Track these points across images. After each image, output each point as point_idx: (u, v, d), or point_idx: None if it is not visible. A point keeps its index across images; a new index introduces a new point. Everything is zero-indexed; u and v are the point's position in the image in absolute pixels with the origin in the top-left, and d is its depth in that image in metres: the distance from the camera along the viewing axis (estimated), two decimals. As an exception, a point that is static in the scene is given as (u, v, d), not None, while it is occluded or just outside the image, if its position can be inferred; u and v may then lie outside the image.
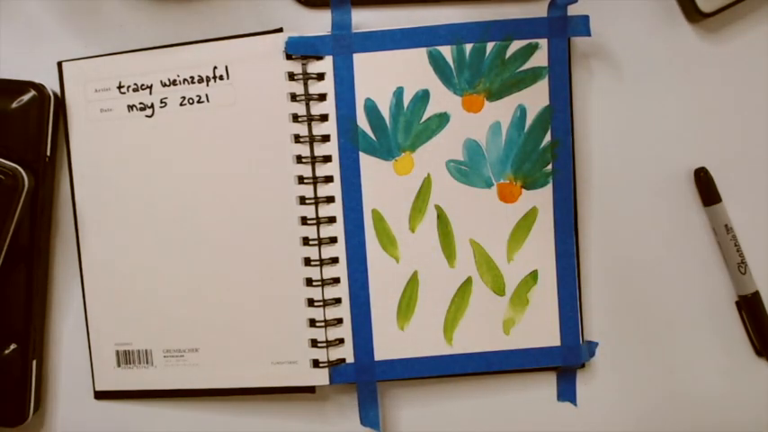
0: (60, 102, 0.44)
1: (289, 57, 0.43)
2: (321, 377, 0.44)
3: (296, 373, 0.44)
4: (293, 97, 0.43)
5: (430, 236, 0.44)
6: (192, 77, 0.43)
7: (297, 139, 0.43)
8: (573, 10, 0.43)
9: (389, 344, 0.44)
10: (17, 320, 0.43)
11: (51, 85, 0.44)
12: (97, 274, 0.45)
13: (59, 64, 0.44)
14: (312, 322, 0.44)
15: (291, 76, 0.43)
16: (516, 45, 0.43)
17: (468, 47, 0.43)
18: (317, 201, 0.43)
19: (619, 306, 0.46)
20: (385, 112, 0.43)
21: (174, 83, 0.43)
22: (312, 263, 0.43)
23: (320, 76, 0.43)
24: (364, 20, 0.44)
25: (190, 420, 0.46)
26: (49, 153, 0.43)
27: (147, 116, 0.44)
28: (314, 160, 0.43)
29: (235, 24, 0.44)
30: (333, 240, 0.44)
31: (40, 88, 0.42)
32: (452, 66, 0.43)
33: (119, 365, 0.45)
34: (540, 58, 0.43)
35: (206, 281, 0.44)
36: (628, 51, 0.45)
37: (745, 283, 0.45)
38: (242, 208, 0.44)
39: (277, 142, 0.43)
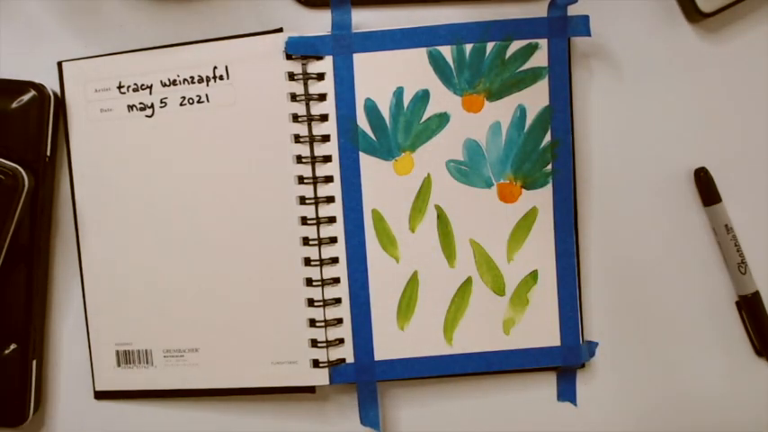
0: (60, 102, 0.44)
1: (289, 57, 0.43)
2: (321, 377, 0.44)
3: (296, 373, 0.44)
4: (293, 97, 0.43)
5: (430, 236, 0.44)
6: (192, 77, 0.43)
7: (297, 139, 0.43)
8: (573, 10, 0.43)
9: (389, 344, 0.44)
10: (17, 320, 0.43)
11: (51, 85, 0.44)
12: (97, 274, 0.45)
13: (59, 64, 0.44)
14: (312, 322, 0.44)
15: (291, 76, 0.43)
16: (516, 45, 0.43)
17: (468, 47, 0.43)
18: (317, 201, 0.43)
19: (619, 306, 0.46)
20: (385, 112, 0.43)
21: (174, 83, 0.43)
22: (312, 263, 0.43)
23: (320, 76, 0.43)
24: (364, 20, 0.44)
25: (190, 420, 0.46)
26: (48, 153, 0.43)
27: (147, 116, 0.44)
28: (314, 160, 0.43)
29: (235, 24, 0.44)
30: (333, 240, 0.44)
31: (40, 88, 0.42)
32: (452, 66, 0.43)
33: (119, 365, 0.45)
34: (540, 58, 0.43)
35: (206, 281, 0.44)
36: (628, 51, 0.45)
37: (745, 283, 0.45)
38: (242, 208, 0.44)
39: (277, 142, 0.43)
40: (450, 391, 0.46)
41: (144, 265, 0.44)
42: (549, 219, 0.44)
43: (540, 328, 0.44)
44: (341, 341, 0.44)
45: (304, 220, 0.43)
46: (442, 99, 0.43)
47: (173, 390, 0.45)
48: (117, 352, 0.45)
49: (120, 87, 0.44)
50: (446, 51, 0.43)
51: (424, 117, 0.43)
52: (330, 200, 0.43)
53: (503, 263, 0.44)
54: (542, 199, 0.44)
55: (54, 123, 0.43)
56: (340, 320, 0.44)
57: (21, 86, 0.42)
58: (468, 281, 0.44)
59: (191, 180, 0.44)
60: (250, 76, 0.43)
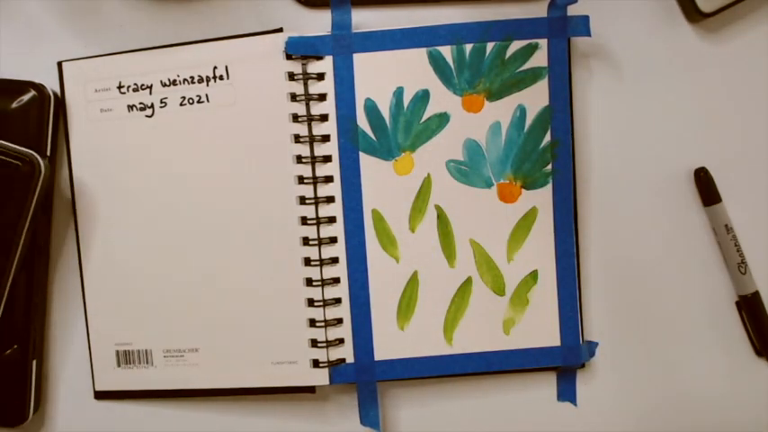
0: (60, 102, 0.44)
1: (289, 57, 0.43)
2: (321, 377, 0.44)
3: (296, 373, 0.44)
4: (293, 97, 0.43)
5: (430, 236, 0.44)
6: (192, 77, 0.43)
7: (297, 139, 0.43)
8: (573, 10, 0.43)
9: (389, 344, 0.44)
10: (17, 321, 0.43)
11: (51, 85, 0.44)
12: (97, 274, 0.45)
13: (59, 64, 0.44)
14: (312, 322, 0.44)
15: (291, 76, 0.43)
16: (516, 45, 0.43)
17: (468, 47, 0.43)
18: (317, 201, 0.43)
19: (619, 306, 0.46)
20: (385, 112, 0.43)
21: (174, 83, 0.43)
22: (312, 263, 0.43)
23: (320, 76, 0.43)
24: (364, 20, 0.44)
25: (190, 420, 0.46)
26: (48, 153, 0.43)
27: (147, 116, 0.44)
28: (314, 160, 0.43)
29: (235, 24, 0.44)
30: (333, 240, 0.44)
31: (40, 88, 0.42)
32: (452, 66, 0.43)
33: (119, 365, 0.45)
34: (539, 59, 0.43)
35: (206, 281, 0.44)
36: (628, 51, 0.45)
37: (745, 283, 0.45)
38: (242, 208, 0.44)
39: (277, 142, 0.43)
40: (450, 391, 0.46)
41: (144, 265, 0.44)
42: (549, 219, 0.44)
43: (540, 328, 0.44)
44: (341, 341, 0.44)
45: (304, 220, 0.43)
46: (442, 99, 0.43)
47: (173, 390, 0.45)
48: (117, 352, 0.45)
49: (120, 87, 0.44)
50: (446, 51, 0.43)
51: (424, 117, 0.43)
52: (330, 200, 0.43)
53: (503, 263, 0.44)
54: (542, 199, 0.44)
55: (54, 123, 0.43)
56: (340, 320, 0.44)
57: (21, 86, 0.42)
58: (468, 281, 0.44)
59: (191, 180, 0.44)
60: (250, 76, 0.43)
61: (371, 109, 0.43)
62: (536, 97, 0.43)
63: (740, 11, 0.45)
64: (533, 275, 0.44)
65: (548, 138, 0.44)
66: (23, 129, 0.42)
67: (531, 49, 0.43)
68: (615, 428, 0.46)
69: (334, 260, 0.44)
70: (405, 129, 0.43)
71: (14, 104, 0.42)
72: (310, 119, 0.43)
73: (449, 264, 0.44)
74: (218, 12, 0.45)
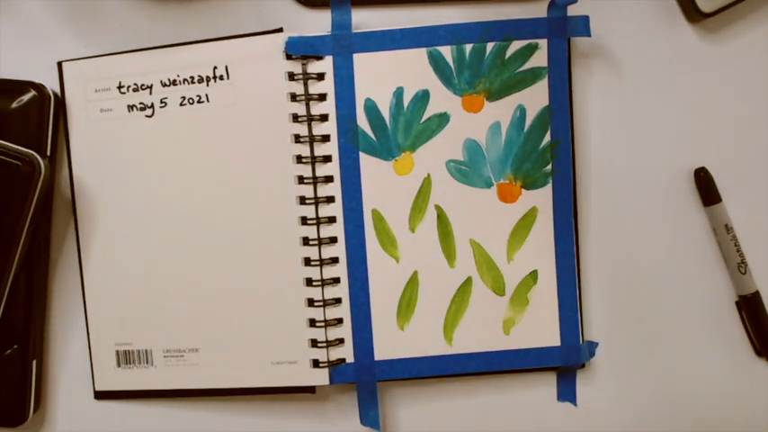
0: (60, 102, 0.44)
1: (289, 57, 0.43)
2: (321, 377, 0.44)
3: (296, 373, 0.44)
4: (293, 97, 0.43)
5: (430, 236, 0.44)
6: (192, 77, 0.43)
7: (297, 139, 0.43)
8: (573, 10, 0.43)
9: (389, 344, 0.44)
10: (17, 321, 0.43)
11: (51, 85, 0.44)
12: (97, 273, 0.45)
13: (59, 64, 0.44)
14: (312, 322, 0.44)
15: (291, 76, 0.43)
16: (516, 45, 0.43)
17: (468, 47, 0.43)
18: (317, 201, 0.43)
19: (619, 306, 0.46)
20: (385, 112, 0.43)
21: (174, 83, 0.44)
22: (312, 263, 0.43)
23: (320, 76, 0.43)
24: (364, 20, 0.44)
25: (190, 420, 0.46)
26: (48, 153, 0.43)
27: (147, 116, 0.44)
28: (314, 160, 0.43)
29: (235, 24, 0.44)
30: (333, 240, 0.44)
31: (40, 88, 0.42)
32: (452, 66, 0.43)
33: (119, 365, 0.45)
34: (539, 59, 0.43)
35: (206, 281, 0.44)
36: (628, 51, 0.45)
37: (745, 283, 0.45)
38: (242, 208, 0.44)
39: (277, 142, 0.43)
40: (450, 391, 0.46)
41: (144, 264, 0.44)
42: (549, 219, 0.44)
43: (539, 328, 0.44)
44: (341, 341, 0.44)
45: (304, 220, 0.43)
46: (442, 99, 0.43)
47: (173, 390, 0.45)
48: (117, 352, 0.45)
49: (120, 87, 0.44)
50: (446, 51, 0.43)
51: (424, 117, 0.43)
52: (330, 200, 0.43)
53: (503, 263, 0.44)
54: (542, 199, 0.44)
55: (54, 123, 0.43)
56: (340, 320, 0.44)
57: (21, 86, 0.42)
58: (468, 281, 0.44)
59: (191, 180, 0.44)
60: (250, 76, 0.43)
61: (371, 109, 0.43)
62: (536, 97, 0.43)
63: (740, 11, 0.45)
64: (533, 275, 0.44)
65: (548, 138, 0.44)
66: (23, 129, 0.42)
67: (531, 50, 0.43)
68: (615, 428, 0.46)
69: (334, 260, 0.44)
70: (405, 129, 0.43)
71: (14, 104, 0.42)
72: (310, 119, 0.43)
73: (449, 264, 0.44)
74: (218, 12, 0.45)
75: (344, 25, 0.43)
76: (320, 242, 0.44)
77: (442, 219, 0.44)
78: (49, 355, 0.46)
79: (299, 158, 0.43)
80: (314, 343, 0.44)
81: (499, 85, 0.43)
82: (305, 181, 0.43)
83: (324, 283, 0.44)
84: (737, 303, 0.46)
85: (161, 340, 0.45)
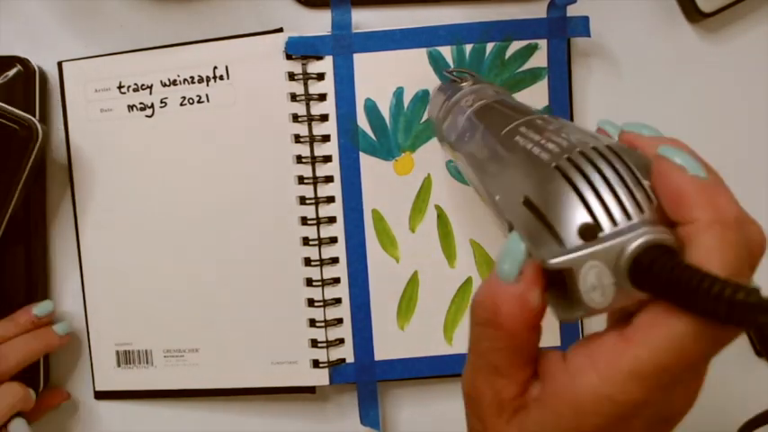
0: (45, 77, 0.44)
1: (289, 57, 0.43)
2: (321, 377, 0.44)
3: (296, 373, 0.44)
4: (293, 97, 0.43)
5: (430, 236, 0.44)
6: (193, 77, 0.43)
7: (297, 139, 0.43)
8: (572, 10, 0.43)
9: (389, 344, 0.44)
10: (18, 295, 0.43)
11: (51, 85, 0.44)
12: (97, 274, 0.45)
13: (59, 64, 0.44)
14: (312, 322, 0.44)
15: (291, 76, 0.43)
16: (516, 45, 0.43)
17: (468, 47, 0.43)
18: (317, 201, 0.43)
19: (619, 306, 0.46)
20: (385, 112, 0.43)
21: (174, 83, 0.43)
22: (312, 263, 0.43)
23: (320, 76, 0.43)
24: (364, 20, 0.44)
25: (190, 420, 0.46)
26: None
27: (147, 116, 0.44)
28: (314, 160, 0.43)
29: (235, 24, 0.44)
30: (333, 240, 0.44)
31: (25, 63, 0.42)
32: (452, 66, 0.43)
33: (119, 365, 0.45)
34: (539, 59, 0.43)
35: (206, 281, 0.44)
36: (628, 51, 0.45)
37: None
38: (242, 208, 0.44)
39: (277, 142, 0.43)
40: (451, 391, 0.46)
41: (144, 265, 0.44)
42: (549, 219, 0.44)
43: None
44: (341, 341, 0.44)
45: (304, 221, 0.43)
46: (442, 99, 0.43)
47: (173, 390, 0.45)
48: (117, 352, 0.45)
49: (120, 87, 0.44)
50: (446, 51, 0.43)
51: (424, 117, 0.43)
52: (330, 200, 0.43)
53: (503, 263, 0.44)
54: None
55: (41, 97, 0.43)
56: (340, 320, 0.44)
57: (6, 61, 0.42)
58: (469, 281, 0.44)
59: (191, 180, 0.44)
60: (250, 76, 0.43)
61: (371, 109, 0.43)
62: (536, 97, 0.43)
63: (740, 11, 0.45)
64: (533, 275, 0.44)
65: (548, 138, 0.43)
66: (10, 103, 0.41)
67: (531, 50, 0.43)
68: (615, 428, 0.46)
69: (334, 260, 0.44)
70: (405, 129, 0.43)
71: (0, 80, 0.42)
72: (310, 119, 0.43)
73: (449, 264, 0.44)
74: (218, 12, 0.45)
75: (344, 25, 0.43)
76: (320, 242, 0.44)
77: (441, 219, 0.44)
78: (50, 355, 0.46)
79: (299, 158, 0.43)
80: (314, 343, 0.44)
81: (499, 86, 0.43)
82: (305, 181, 0.43)
83: (324, 283, 0.44)
84: (737, 303, 0.46)
85: (161, 340, 0.45)
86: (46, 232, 0.45)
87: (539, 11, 0.44)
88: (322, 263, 0.44)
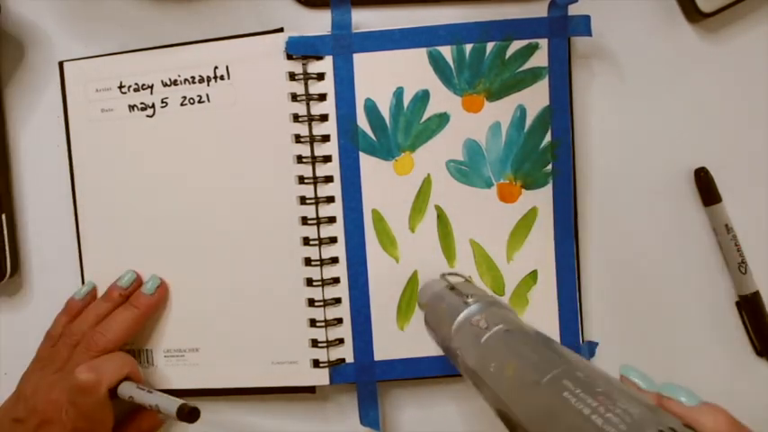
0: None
1: (289, 57, 0.43)
2: (321, 377, 0.44)
3: (296, 373, 0.44)
4: (293, 97, 0.43)
5: (430, 236, 0.44)
6: (193, 77, 0.43)
7: (297, 139, 0.43)
8: (573, 10, 0.43)
9: (389, 344, 0.44)
10: None
11: (52, 85, 0.44)
12: (98, 274, 0.45)
13: (60, 64, 0.44)
14: (312, 322, 0.44)
15: (292, 76, 0.43)
16: (516, 45, 0.43)
17: (468, 47, 0.43)
18: (317, 201, 0.43)
19: (619, 306, 0.46)
20: (385, 112, 0.43)
21: (174, 83, 0.44)
22: (312, 263, 0.43)
23: (320, 76, 0.43)
24: (364, 20, 0.44)
25: (190, 420, 0.46)
26: None
27: (147, 116, 0.44)
28: (314, 160, 0.43)
29: (235, 24, 0.44)
30: (333, 240, 0.44)
31: None
32: (452, 66, 0.43)
33: (119, 365, 0.45)
34: (540, 58, 0.43)
35: (206, 281, 0.44)
36: (628, 51, 0.45)
37: (745, 283, 0.45)
38: (242, 208, 0.44)
39: (277, 142, 0.43)
40: (451, 391, 0.46)
41: (144, 264, 0.44)
42: (549, 219, 0.44)
43: (539, 329, 0.44)
44: (341, 341, 0.44)
45: (304, 220, 0.43)
46: (442, 99, 0.43)
47: (173, 390, 0.45)
48: (117, 352, 0.45)
49: (120, 87, 0.44)
50: (446, 51, 0.43)
51: (424, 117, 0.43)
52: (330, 200, 0.44)
53: (503, 263, 0.44)
54: (542, 199, 0.44)
55: None
56: (340, 320, 0.44)
57: None
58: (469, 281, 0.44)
59: (191, 180, 0.44)
60: (251, 76, 0.43)
61: (371, 109, 0.43)
62: (536, 97, 0.43)
63: (740, 11, 0.45)
64: (533, 275, 0.44)
65: (548, 138, 0.44)
66: None
67: (532, 49, 0.43)
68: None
69: (334, 260, 0.44)
70: (405, 129, 0.43)
71: None
72: (310, 119, 0.43)
73: (449, 264, 0.44)
74: (219, 12, 0.45)
75: (344, 25, 0.43)
76: (320, 242, 0.44)
77: (441, 219, 0.44)
78: (50, 355, 0.46)
79: (300, 158, 0.43)
80: (314, 343, 0.44)
81: (499, 85, 0.43)
82: (305, 181, 0.43)
83: (324, 283, 0.44)
84: (737, 303, 0.46)
85: (161, 340, 0.45)
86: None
87: (538, 11, 0.44)
88: (322, 263, 0.44)
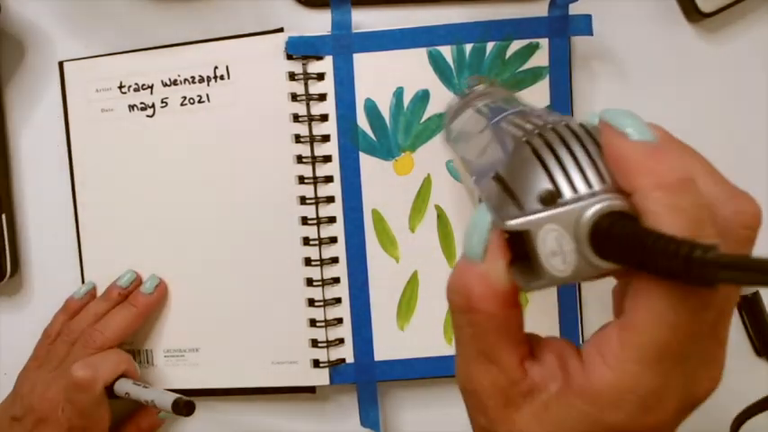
0: None
1: (289, 57, 0.43)
2: (321, 377, 0.44)
3: (296, 373, 0.44)
4: (294, 97, 0.43)
5: (430, 236, 0.44)
6: (193, 77, 0.43)
7: (297, 139, 0.43)
8: (573, 10, 0.43)
9: (389, 344, 0.44)
10: None
11: (52, 85, 0.44)
12: (98, 274, 0.45)
13: (60, 64, 0.44)
14: (312, 322, 0.44)
15: (292, 76, 0.43)
16: (516, 45, 0.43)
17: (468, 47, 0.43)
18: (317, 201, 0.43)
19: (619, 306, 0.46)
20: (385, 112, 0.43)
21: (174, 83, 0.44)
22: (312, 263, 0.43)
23: (320, 76, 0.43)
24: (364, 20, 0.44)
25: (190, 420, 0.46)
26: None
27: (147, 116, 0.44)
28: (314, 160, 0.43)
29: (235, 24, 0.44)
30: (333, 240, 0.44)
31: None
32: (452, 66, 0.43)
33: (119, 365, 0.45)
34: (540, 58, 0.43)
35: (206, 281, 0.44)
36: (628, 51, 0.45)
37: (745, 284, 0.45)
38: (242, 208, 0.44)
39: (277, 142, 0.43)
40: (451, 391, 0.46)
41: (144, 264, 0.44)
42: (549, 219, 0.44)
43: (539, 329, 0.44)
44: (341, 341, 0.44)
45: (304, 220, 0.43)
46: (442, 99, 0.43)
47: (173, 390, 0.45)
48: (117, 352, 0.45)
49: (120, 87, 0.44)
50: (446, 51, 0.43)
51: (424, 117, 0.43)
52: (330, 200, 0.43)
53: (503, 263, 0.44)
54: (542, 199, 0.44)
55: None
56: (340, 320, 0.44)
57: None
58: (469, 281, 0.44)
59: (191, 180, 0.44)
60: (251, 76, 0.43)
61: (371, 109, 0.43)
62: (537, 97, 0.43)
63: (740, 11, 0.45)
64: (533, 275, 0.44)
65: (548, 138, 0.43)
66: None
67: (532, 49, 0.43)
68: None
69: (335, 260, 0.44)
70: (405, 129, 0.43)
71: None
72: (311, 119, 0.43)
73: (449, 264, 0.44)
74: (219, 12, 0.45)
75: (344, 25, 0.43)
76: (320, 242, 0.44)
77: (441, 219, 0.44)
78: (50, 355, 0.46)
79: (300, 158, 0.43)
80: (314, 343, 0.44)
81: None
82: (305, 181, 0.43)
83: (324, 283, 0.44)
84: (737, 303, 0.46)
85: (161, 340, 0.45)
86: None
87: (538, 11, 0.44)
88: (322, 263, 0.44)
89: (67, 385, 0.39)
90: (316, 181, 0.43)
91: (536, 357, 0.22)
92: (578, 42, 0.45)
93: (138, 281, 0.44)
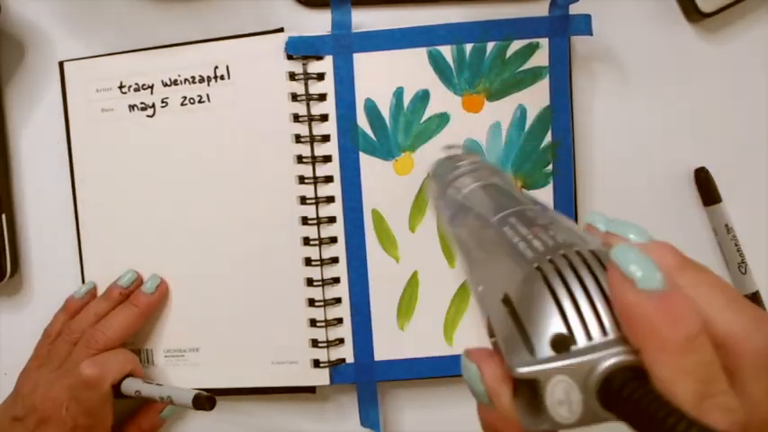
0: None
1: (289, 57, 0.43)
2: (321, 377, 0.44)
3: (296, 373, 0.44)
4: (294, 97, 0.43)
5: (430, 236, 0.44)
6: (194, 77, 0.43)
7: (297, 139, 0.43)
8: (573, 10, 0.43)
9: (389, 344, 0.44)
10: None
11: (52, 86, 0.44)
12: (99, 274, 0.45)
13: (60, 64, 0.44)
14: (312, 322, 0.44)
15: (292, 76, 0.43)
16: (517, 45, 0.43)
17: (469, 47, 0.43)
18: (317, 201, 0.43)
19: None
20: (385, 112, 0.43)
21: (175, 83, 0.44)
22: (312, 263, 0.43)
23: (320, 76, 0.43)
24: (364, 20, 0.44)
25: (190, 420, 0.46)
26: None
27: (148, 116, 0.44)
28: (314, 160, 0.43)
29: (235, 24, 0.44)
30: (333, 240, 0.44)
31: None
32: (452, 66, 0.43)
33: (119, 365, 0.45)
34: (540, 58, 0.43)
35: (207, 281, 0.44)
36: (628, 51, 0.45)
37: (745, 283, 0.45)
38: (242, 208, 0.44)
39: (277, 142, 0.43)
40: (451, 392, 0.46)
41: (145, 264, 0.44)
42: (550, 219, 0.44)
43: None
44: (341, 341, 0.44)
45: (304, 220, 0.43)
46: (442, 99, 0.43)
47: (173, 389, 0.45)
48: (117, 352, 0.45)
49: (121, 87, 0.44)
50: (446, 51, 0.43)
51: (424, 117, 0.43)
52: (330, 200, 0.43)
53: (503, 263, 0.44)
54: (542, 199, 0.44)
55: None
56: (340, 320, 0.44)
57: None
58: (469, 281, 0.44)
59: (192, 180, 0.44)
60: (251, 76, 0.43)
61: (371, 109, 0.43)
62: (536, 97, 0.43)
63: (740, 11, 0.45)
64: (533, 275, 0.44)
65: (548, 138, 0.44)
66: None
67: (532, 49, 0.43)
68: (615, 428, 0.46)
69: (335, 260, 0.44)
70: (405, 129, 0.43)
71: None
72: (311, 119, 0.43)
73: (449, 264, 0.44)
74: (219, 12, 0.45)
75: (344, 25, 0.43)
76: (320, 242, 0.44)
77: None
78: (50, 355, 0.46)
79: (300, 158, 0.43)
80: (314, 343, 0.44)
81: (499, 85, 0.43)
82: (305, 181, 0.43)
83: (324, 283, 0.44)
84: (738, 303, 0.46)
85: (162, 340, 0.45)
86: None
87: (538, 11, 0.44)
88: (322, 263, 0.44)
89: (75, 383, 0.39)
90: (316, 181, 0.43)
91: None
92: (578, 42, 0.45)
93: (138, 281, 0.44)
